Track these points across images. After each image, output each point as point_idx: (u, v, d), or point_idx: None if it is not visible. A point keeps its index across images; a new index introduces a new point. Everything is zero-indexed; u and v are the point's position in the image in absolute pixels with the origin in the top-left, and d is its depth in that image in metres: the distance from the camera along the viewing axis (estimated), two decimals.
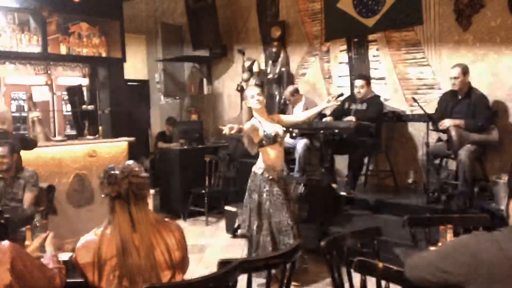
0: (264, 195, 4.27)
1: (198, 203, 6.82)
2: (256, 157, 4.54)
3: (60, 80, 8.08)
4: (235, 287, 2.05)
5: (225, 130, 4.04)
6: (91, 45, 7.60)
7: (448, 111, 5.13)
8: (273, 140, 4.27)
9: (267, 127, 4.30)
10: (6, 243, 1.93)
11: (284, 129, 4.50)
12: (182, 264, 2.14)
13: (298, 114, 4.79)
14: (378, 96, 6.07)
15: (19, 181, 4.48)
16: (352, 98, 6.02)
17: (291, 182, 5.05)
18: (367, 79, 5.96)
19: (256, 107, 4.34)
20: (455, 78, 5.05)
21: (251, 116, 4.41)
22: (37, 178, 4.65)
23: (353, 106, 5.91)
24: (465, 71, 5.04)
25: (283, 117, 4.65)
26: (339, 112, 6.07)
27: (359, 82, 5.91)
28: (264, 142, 4.27)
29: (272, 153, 4.31)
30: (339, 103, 4.72)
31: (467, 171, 4.83)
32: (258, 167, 4.35)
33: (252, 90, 4.42)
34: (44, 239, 2.43)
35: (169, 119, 8.57)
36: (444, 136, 5.14)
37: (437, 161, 5.25)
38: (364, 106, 5.83)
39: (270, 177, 4.29)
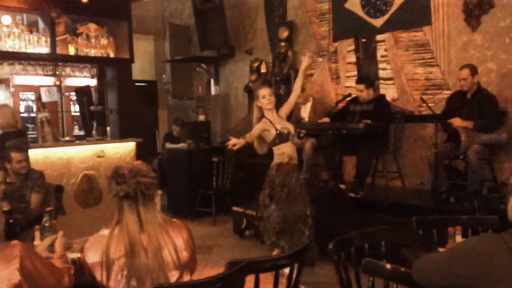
0: (293, 180, 4.36)
1: (205, 203, 6.82)
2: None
3: (69, 81, 8.12)
4: (243, 287, 2.05)
5: (230, 145, 4.25)
6: (99, 46, 7.64)
7: (457, 111, 5.10)
8: (286, 138, 4.33)
9: (279, 126, 4.35)
10: (15, 242, 1.94)
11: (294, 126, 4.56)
12: (189, 264, 2.14)
13: (294, 91, 4.74)
14: (384, 96, 6.07)
15: (27, 183, 4.50)
16: (357, 100, 6.01)
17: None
18: (367, 83, 5.92)
19: (268, 107, 4.38)
20: (463, 79, 5.03)
21: (261, 115, 4.43)
22: (44, 179, 4.67)
23: (358, 107, 5.89)
24: (473, 72, 5.02)
25: (285, 108, 4.64)
26: (345, 113, 6.06)
27: (358, 87, 5.92)
28: (277, 140, 4.33)
29: (286, 149, 4.38)
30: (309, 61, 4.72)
31: (476, 172, 4.81)
32: (282, 158, 4.40)
33: (264, 90, 4.44)
34: (54, 239, 2.44)
35: (176, 119, 8.58)
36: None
37: (445, 162, 5.22)
38: (370, 107, 5.82)
39: (296, 163, 4.43)
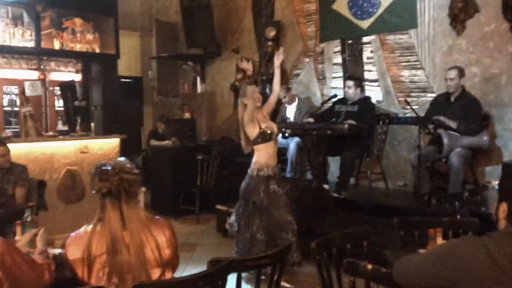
0: (262, 194, 4.29)
1: (189, 201, 6.79)
2: (248, 156, 4.55)
3: (53, 75, 8.03)
4: (225, 286, 2.05)
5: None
6: (84, 41, 7.58)
7: (441, 113, 5.15)
8: (269, 137, 4.32)
9: (264, 125, 4.35)
10: None
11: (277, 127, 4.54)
12: (172, 262, 2.14)
13: (273, 91, 4.72)
14: (369, 97, 6.12)
15: (9, 176, 4.46)
16: (343, 100, 6.04)
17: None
18: (357, 82, 5.98)
19: (256, 105, 4.38)
20: (451, 79, 5.08)
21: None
22: (27, 172, 4.63)
23: (343, 108, 5.93)
24: (461, 74, 5.09)
25: (266, 108, 4.61)
26: (330, 114, 6.10)
27: (348, 83, 5.97)
28: (259, 139, 4.31)
29: (267, 151, 4.36)
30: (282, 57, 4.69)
31: (458, 174, 4.86)
32: (252, 169, 4.38)
33: (252, 88, 4.44)
34: (35, 234, 2.41)
35: (161, 116, 8.54)
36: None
37: (428, 164, 5.27)
38: (355, 108, 5.86)
39: (266, 174, 4.32)
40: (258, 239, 4.28)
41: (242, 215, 4.44)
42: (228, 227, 4.63)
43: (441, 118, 5.02)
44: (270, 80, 7.59)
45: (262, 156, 4.35)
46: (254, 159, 4.41)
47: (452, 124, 4.97)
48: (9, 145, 4.62)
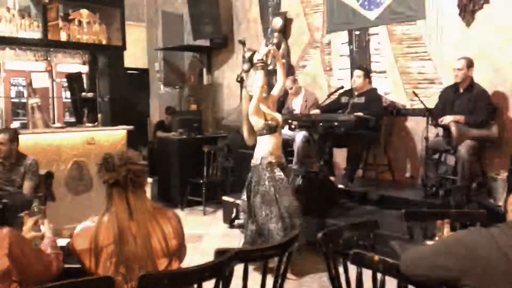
0: (267, 182, 4.31)
1: (196, 192, 6.82)
2: (253, 147, 4.56)
3: (60, 67, 8.03)
4: (231, 276, 2.06)
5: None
6: (91, 33, 7.56)
7: (449, 105, 5.12)
8: (274, 129, 4.34)
9: (269, 117, 4.37)
10: (4, 228, 1.93)
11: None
12: (178, 252, 2.15)
13: (278, 81, 4.75)
14: (375, 89, 6.08)
15: (19, 168, 4.48)
16: (350, 92, 6.02)
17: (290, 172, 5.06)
18: (366, 72, 5.96)
19: (263, 95, 4.41)
20: (458, 69, 5.04)
21: None
22: (37, 167, 4.65)
23: (350, 100, 5.91)
24: (469, 64, 5.05)
25: (272, 97, 4.66)
26: (336, 106, 6.07)
27: (357, 72, 5.94)
28: (265, 130, 4.33)
29: (271, 142, 4.39)
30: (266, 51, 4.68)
31: (466, 166, 4.83)
32: (256, 158, 4.40)
33: (262, 73, 4.45)
34: (36, 219, 2.40)
35: (168, 108, 8.56)
36: (441, 131, 5.16)
37: (436, 156, 5.24)
38: (362, 99, 5.83)
39: (270, 162, 4.34)
40: (272, 229, 4.27)
41: (248, 209, 4.45)
42: (239, 219, 4.64)
43: (446, 119, 4.98)
44: (276, 72, 7.58)
45: (265, 146, 4.38)
46: (257, 149, 4.43)
47: (459, 118, 4.93)
48: None
